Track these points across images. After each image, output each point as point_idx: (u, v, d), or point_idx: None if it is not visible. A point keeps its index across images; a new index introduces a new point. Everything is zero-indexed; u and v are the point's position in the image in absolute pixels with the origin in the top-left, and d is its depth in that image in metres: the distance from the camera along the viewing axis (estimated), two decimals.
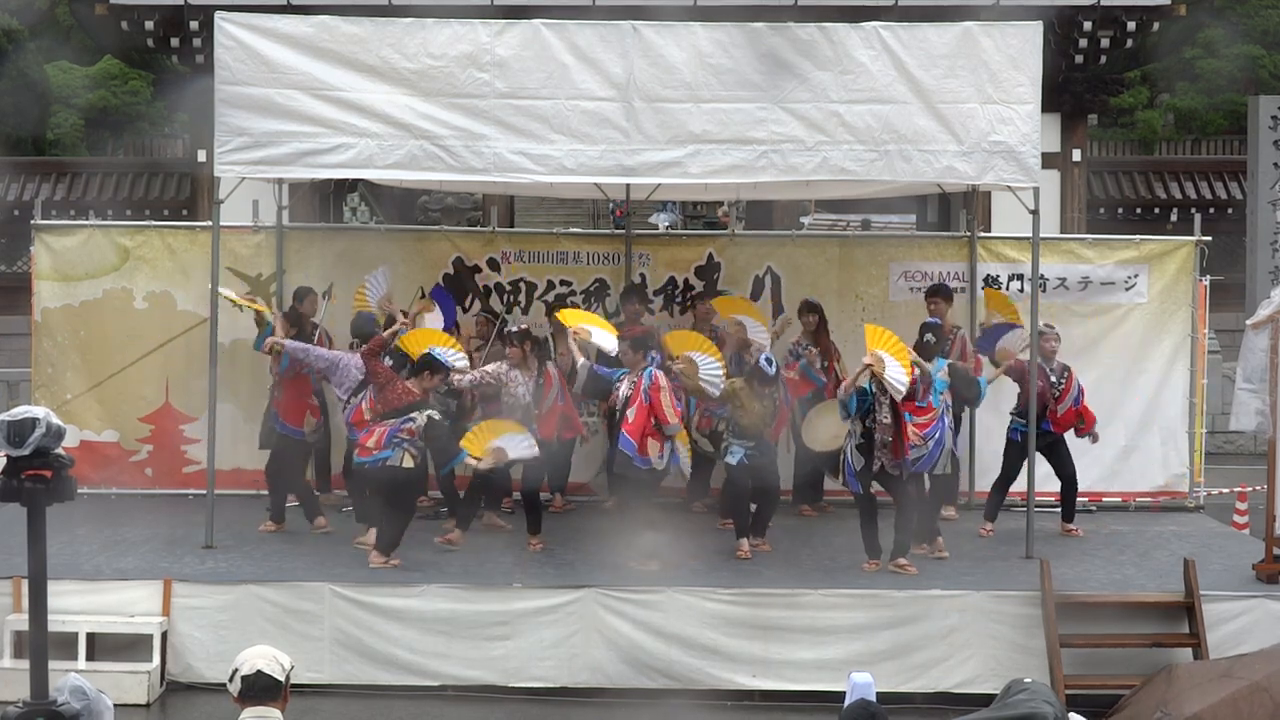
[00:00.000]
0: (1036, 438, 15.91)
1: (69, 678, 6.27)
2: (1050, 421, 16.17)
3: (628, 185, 17.28)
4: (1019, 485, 16.26)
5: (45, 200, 23.99)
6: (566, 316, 15.27)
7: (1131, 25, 25.85)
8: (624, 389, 14.63)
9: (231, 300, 15.87)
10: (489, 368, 15.27)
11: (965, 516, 16.88)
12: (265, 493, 17.08)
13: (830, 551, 15.42)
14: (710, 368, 14.93)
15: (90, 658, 13.40)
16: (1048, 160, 20.74)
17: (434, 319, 16.69)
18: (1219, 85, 40.39)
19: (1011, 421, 16.38)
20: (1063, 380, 16.19)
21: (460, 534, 15.11)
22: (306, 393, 16.08)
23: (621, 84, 14.27)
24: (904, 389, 14.05)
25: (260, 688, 6.42)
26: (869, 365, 14.04)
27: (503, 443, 14.66)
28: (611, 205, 33.47)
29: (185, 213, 27.89)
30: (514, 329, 15.61)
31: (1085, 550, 15.81)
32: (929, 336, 15.37)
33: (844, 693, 7.58)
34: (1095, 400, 17.91)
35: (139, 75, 40.70)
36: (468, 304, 18.11)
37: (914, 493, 14.84)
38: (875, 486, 14.65)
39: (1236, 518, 18.88)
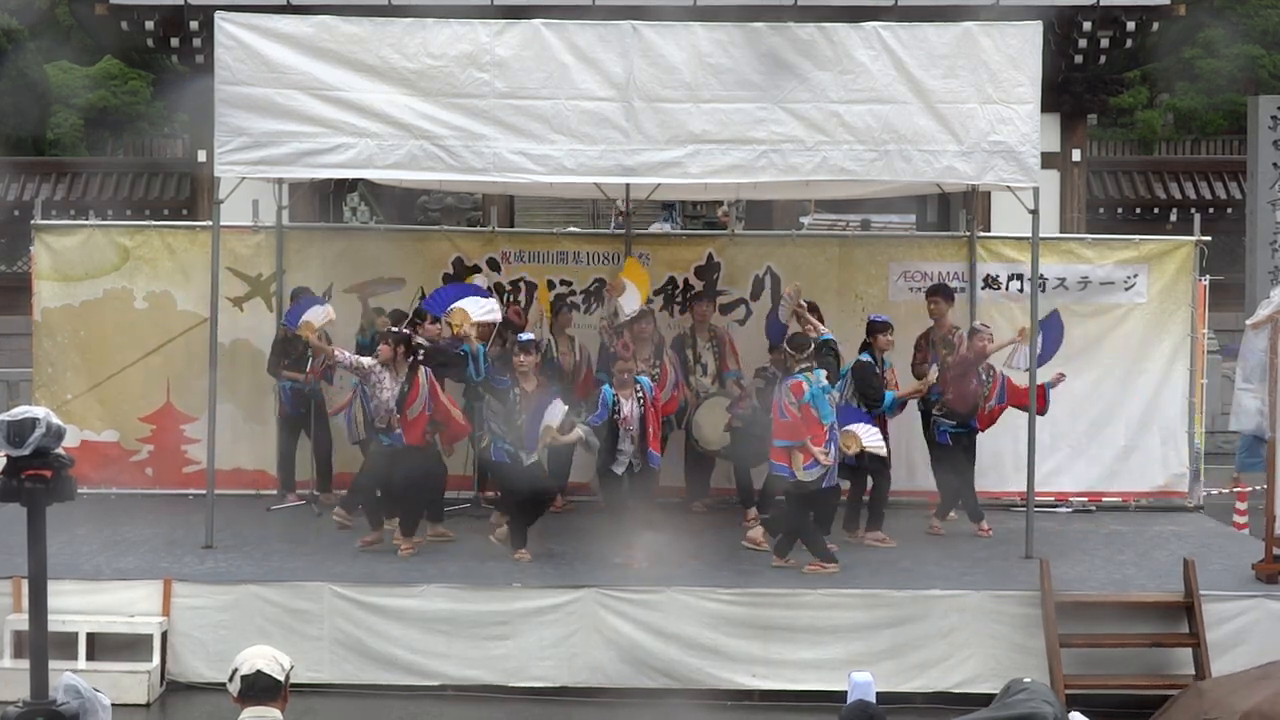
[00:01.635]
0: (963, 435, 16.27)
1: (63, 676, 6.27)
2: (978, 419, 16.24)
3: (627, 185, 17.27)
4: (1016, 483, 16.32)
5: (45, 200, 23.95)
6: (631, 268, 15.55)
7: (1131, 25, 25.88)
8: (631, 409, 14.60)
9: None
10: (365, 360, 15.00)
11: (962, 518, 16.87)
12: (269, 492, 17.41)
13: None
14: None
15: (90, 658, 13.40)
16: (1047, 160, 20.73)
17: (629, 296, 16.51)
18: (1219, 85, 40.41)
19: (938, 424, 16.39)
20: (990, 379, 16.23)
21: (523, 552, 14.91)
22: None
23: (621, 84, 14.27)
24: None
25: (260, 688, 6.43)
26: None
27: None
28: (614, 223, 33.50)
29: (185, 213, 27.91)
30: (394, 330, 15.33)
31: (1085, 550, 15.81)
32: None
33: (844, 692, 7.59)
34: (1095, 400, 17.98)
35: (139, 75, 40.69)
36: None
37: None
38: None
39: (1236, 518, 18.87)
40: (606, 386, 14.76)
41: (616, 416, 14.58)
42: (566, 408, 14.76)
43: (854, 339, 16.77)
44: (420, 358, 15.17)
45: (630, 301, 16.03)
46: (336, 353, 15.27)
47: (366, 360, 15.02)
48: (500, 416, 14.95)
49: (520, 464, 14.71)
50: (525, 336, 15.10)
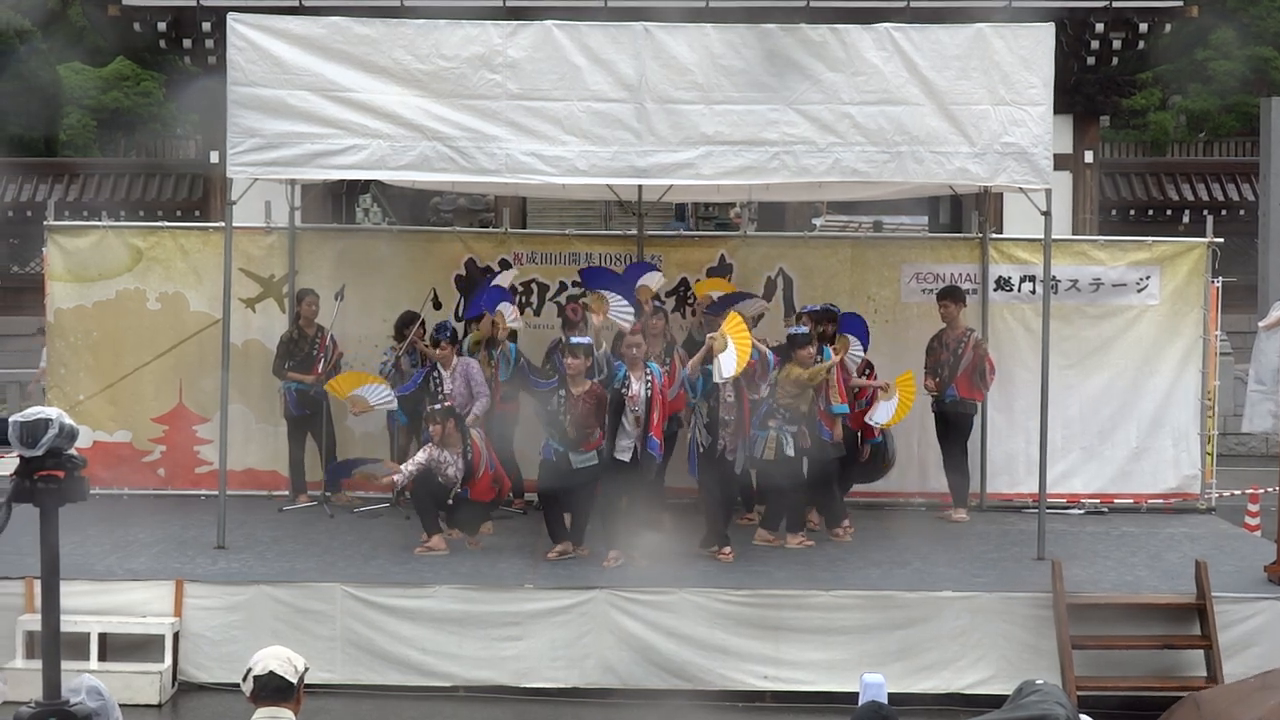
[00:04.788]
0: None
1: (83, 678, 6.29)
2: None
3: (640, 186, 17.27)
4: (1029, 485, 16.30)
5: (57, 202, 24.05)
6: (732, 323, 14.79)
7: (1143, 27, 25.89)
8: (639, 389, 14.60)
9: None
10: (419, 457, 15.13)
11: (974, 518, 16.90)
12: (281, 493, 17.62)
13: (840, 552, 15.42)
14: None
15: (102, 658, 13.43)
16: (1060, 162, 20.72)
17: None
18: (1231, 87, 40.43)
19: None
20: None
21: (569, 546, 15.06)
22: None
23: (633, 85, 14.27)
24: (727, 376, 14.39)
25: (272, 688, 6.44)
26: (712, 340, 14.45)
27: (363, 392, 16.02)
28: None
29: (197, 214, 28.04)
30: (437, 407, 15.33)
31: (1097, 552, 15.79)
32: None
33: (856, 694, 7.60)
34: (1107, 402, 17.97)
35: (151, 76, 40.82)
36: None
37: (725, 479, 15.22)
38: None
39: (1248, 519, 18.86)
40: (620, 363, 14.73)
41: (625, 393, 14.56)
42: None
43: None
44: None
45: (727, 362, 15.82)
46: (398, 477, 15.30)
47: (422, 457, 15.14)
48: (544, 418, 15.01)
49: (568, 465, 14.70)
50: (576, 339, 14.99)
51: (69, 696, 6.13)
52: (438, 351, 16.29)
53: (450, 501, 15.25)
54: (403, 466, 15.24)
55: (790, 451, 15.16)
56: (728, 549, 14.84)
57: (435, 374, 16.30)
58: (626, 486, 14.85)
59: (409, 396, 16.51)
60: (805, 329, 15.58)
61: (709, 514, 15.16)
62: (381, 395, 16.35)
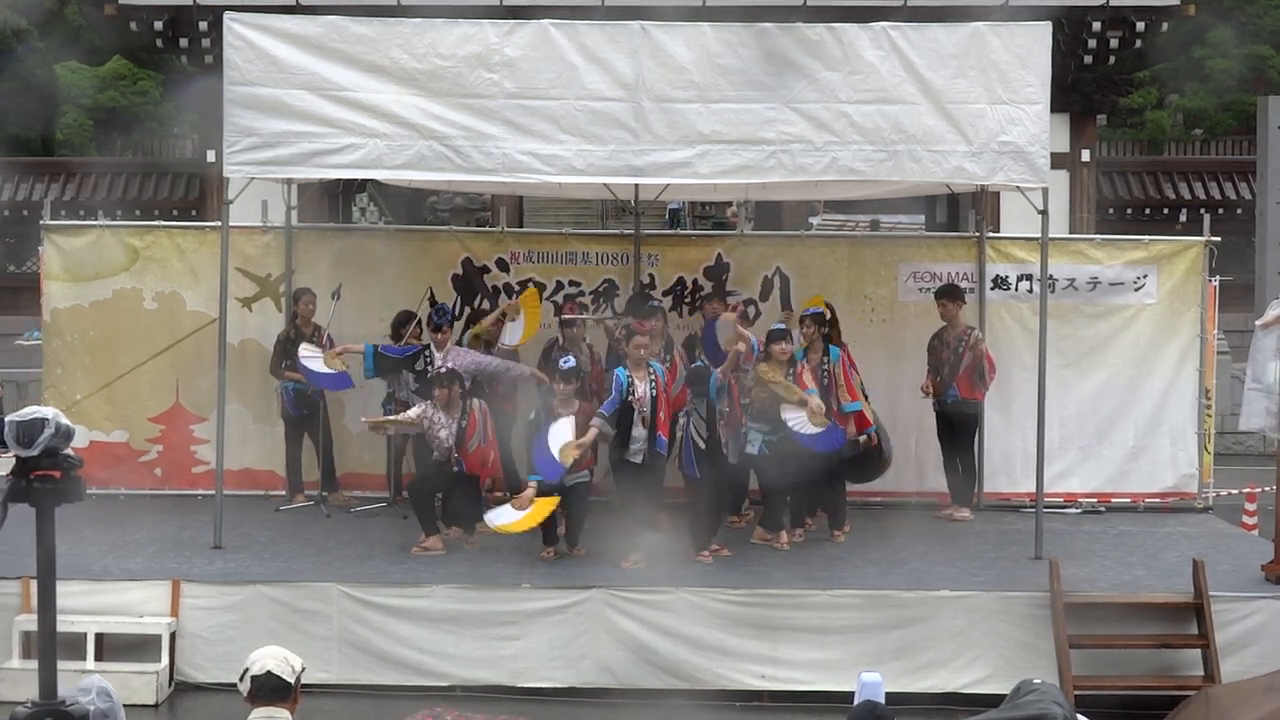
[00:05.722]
0: (775, 442, 15.93)
1: (93, 679, 6.31)
2: None
3: (636, 185, 17.26)
4: (1026, 484, 16.28)
5: (54, 201, 24.06)
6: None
7: (1140, 25, 25.87)
8: (644, 389, 14.58)
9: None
10: (412, 412, 15.31)
11: (983, 518, 16.90)
12: (278, 492, 17.52)
13: (838, 551, 15.42)
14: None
15: (99, 658, 13.42)
16: (1057, 160, 20.72)
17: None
18: (1228, 85, 40.39)
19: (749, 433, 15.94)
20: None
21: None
22: None
23: (630, 84, 14.26)
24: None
25: (269, 688, 6.44)
26: (730, 344, 15.03)
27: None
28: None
29: (194, 213, 27.97)
30: (443, 369, 15.43)
31: (1094, 551, 15.79)
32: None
33: (852, 693, 7.58)
34: (1104, 401, 17.95)
35: (148, 75, 40.76)
36: (477, 304, 18.15)
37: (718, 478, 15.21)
38: None
39: (1245, 519, 18.85)
40: (620, 369, 14.72)
41: (630, 397, 14.54)
42: (570, 416, 14.68)
43: (863, 340, 16.79)
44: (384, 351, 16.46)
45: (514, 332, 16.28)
46: (391, 428, 15.46)
47: (414, 413, 15.29)
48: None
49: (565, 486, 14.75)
50: (566, 364, 15.00)
51: (79, 696, 6.15)
52: (439, 336, 16.24)
53: (444, 496, 15.28)
54: (398, 416, 15.45)
55: (754, 451, 15.18)
56: (705, 552, 14.84)
57: (428, 353, 16.27)
58: (639, 487, 14.84)
59: (388, 359, 16.45)
60: (783, 325, 15.59)
61: (697, 513, 15.11)
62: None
